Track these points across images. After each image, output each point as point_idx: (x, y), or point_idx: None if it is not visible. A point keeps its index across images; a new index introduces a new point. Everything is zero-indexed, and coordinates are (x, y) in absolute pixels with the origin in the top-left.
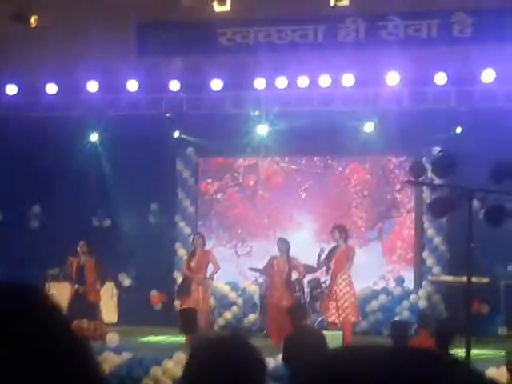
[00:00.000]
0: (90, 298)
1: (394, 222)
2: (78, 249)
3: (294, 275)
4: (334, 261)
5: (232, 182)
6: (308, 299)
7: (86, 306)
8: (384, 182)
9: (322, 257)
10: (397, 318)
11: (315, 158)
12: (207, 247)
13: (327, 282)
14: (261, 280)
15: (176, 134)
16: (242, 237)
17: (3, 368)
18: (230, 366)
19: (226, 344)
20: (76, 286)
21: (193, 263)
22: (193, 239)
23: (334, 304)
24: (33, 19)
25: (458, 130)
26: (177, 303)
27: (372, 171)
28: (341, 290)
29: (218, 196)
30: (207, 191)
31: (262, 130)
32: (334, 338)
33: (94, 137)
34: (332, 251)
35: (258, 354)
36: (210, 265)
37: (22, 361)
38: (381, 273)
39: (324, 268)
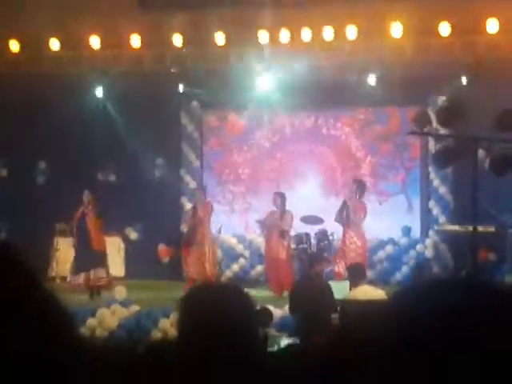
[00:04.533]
0: (95, 246)
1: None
2: (84, 198)
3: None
4: (345, 214)
5: (234, 136)
6: (315, 250)
7: (92, 255)
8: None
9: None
10: (404, 268)
11: (320, 111)
12: (212, 200)
13: (334, 234)
14: (260, 233)
15: (180, 89)
16: (248, 190)
17: None
18: (222, 311)
19: (217, 288)
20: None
21: (196, 216)
22: (195, 193)
23: (342, 255)
24: None
25: (463, 80)
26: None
27: (383, 120)
28: (351, 243)
29: (221, 150)
30: (211, 145)
31: (265, 83)
32: (339, 289)
33: (98, 92)
34: (343, 205)
35: (250, 301)
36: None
37: None
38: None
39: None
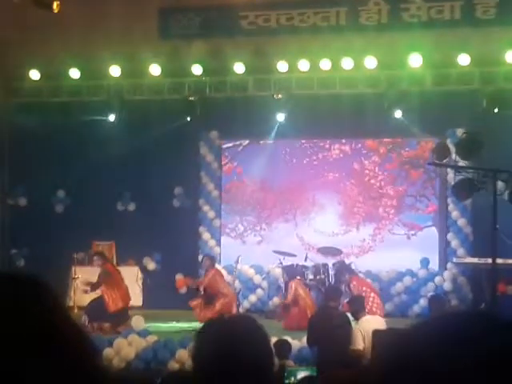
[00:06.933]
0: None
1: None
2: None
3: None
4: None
5: (249, 164)
6: (333, 282)
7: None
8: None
9: None
10: (422, 301)
11: (343, 140)
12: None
13: (352, 265)
14: (285, 263)
15: (199, 118)
16: (264, 219)
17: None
18: (235, 342)
19: (231, 322)
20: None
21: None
22: (201, 261)
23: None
24: (55, 4)
25: (482, 111)
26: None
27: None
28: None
29: (238, 178)
30: (228, 174)
31: (284, 113)
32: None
33: (117, 121)
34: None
35: (264, 333)
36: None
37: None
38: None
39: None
